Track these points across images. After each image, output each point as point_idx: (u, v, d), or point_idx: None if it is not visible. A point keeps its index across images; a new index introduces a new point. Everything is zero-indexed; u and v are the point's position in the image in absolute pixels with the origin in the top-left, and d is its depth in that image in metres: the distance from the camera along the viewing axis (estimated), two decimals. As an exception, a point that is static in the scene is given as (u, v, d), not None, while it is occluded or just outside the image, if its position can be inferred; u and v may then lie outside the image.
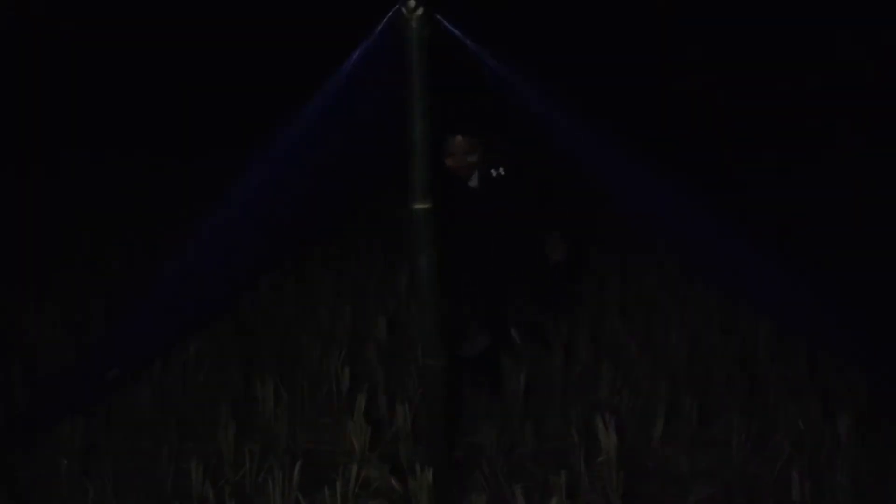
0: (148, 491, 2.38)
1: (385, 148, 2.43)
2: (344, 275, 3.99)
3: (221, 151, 5.00)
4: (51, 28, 7.90)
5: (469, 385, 3.02)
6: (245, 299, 3.61)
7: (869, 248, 3.85)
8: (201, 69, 7.77)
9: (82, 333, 3.22)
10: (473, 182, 3.00)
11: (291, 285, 3.84)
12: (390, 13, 2.05)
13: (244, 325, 3.46)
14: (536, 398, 2.89)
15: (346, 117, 2.20)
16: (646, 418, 2.75)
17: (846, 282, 2.97)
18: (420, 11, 2.07)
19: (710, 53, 8.37)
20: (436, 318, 2.46)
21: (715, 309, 3.52)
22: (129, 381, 2.82)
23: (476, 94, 2.56)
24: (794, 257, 2.72)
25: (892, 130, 6.20)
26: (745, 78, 8.04)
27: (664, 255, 4.00)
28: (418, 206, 2.41)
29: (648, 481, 2.49)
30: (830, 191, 5.19)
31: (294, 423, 2.71)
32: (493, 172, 2.96)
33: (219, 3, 8.02)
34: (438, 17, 2.06)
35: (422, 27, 2.08)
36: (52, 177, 5.33)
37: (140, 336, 2.73)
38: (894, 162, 5.62)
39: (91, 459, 2.46)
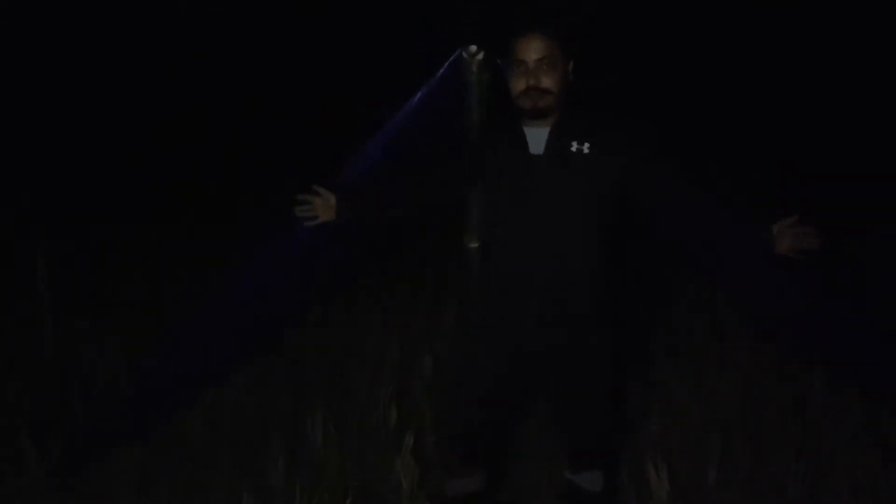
0: (201, 521, 2.41)
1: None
2: (390, 311, 4.02)
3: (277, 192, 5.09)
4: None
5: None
6: (292, 334, 3.66)
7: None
8: (270, 108, 7.84)
9: (139, 362, 3.29)
10: (537, 147, 1.93)
11: (339, 321, 3.88)
12: (452, 57, 2.12)
13: (292, 360, 3.50)
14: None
15: (405, 157, 2.24)
16: (697, 462, 2.71)
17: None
18: (480, 56, 2.14)
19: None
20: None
21: (766, 353, 3.46)
22: (181, 409, 2.87)
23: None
24: (849, 300, 2.67)
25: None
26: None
27: (712, 296, 3.96)
28: (471, 244, 2.46)
29: (702, 527, 2.45)
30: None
31: (343, 459, 2.73)
32: (574, 146, 1.90)
33: (282, 45, 8.22)
34: (499, 61, 2.13)
35: (482, 71, 2.15)
36: (108, 208, 5.46)
37: (191, 365, 2.79)
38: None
39: (146, 487, 2.50)
